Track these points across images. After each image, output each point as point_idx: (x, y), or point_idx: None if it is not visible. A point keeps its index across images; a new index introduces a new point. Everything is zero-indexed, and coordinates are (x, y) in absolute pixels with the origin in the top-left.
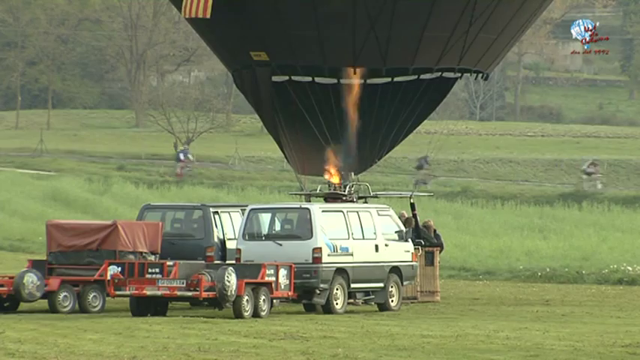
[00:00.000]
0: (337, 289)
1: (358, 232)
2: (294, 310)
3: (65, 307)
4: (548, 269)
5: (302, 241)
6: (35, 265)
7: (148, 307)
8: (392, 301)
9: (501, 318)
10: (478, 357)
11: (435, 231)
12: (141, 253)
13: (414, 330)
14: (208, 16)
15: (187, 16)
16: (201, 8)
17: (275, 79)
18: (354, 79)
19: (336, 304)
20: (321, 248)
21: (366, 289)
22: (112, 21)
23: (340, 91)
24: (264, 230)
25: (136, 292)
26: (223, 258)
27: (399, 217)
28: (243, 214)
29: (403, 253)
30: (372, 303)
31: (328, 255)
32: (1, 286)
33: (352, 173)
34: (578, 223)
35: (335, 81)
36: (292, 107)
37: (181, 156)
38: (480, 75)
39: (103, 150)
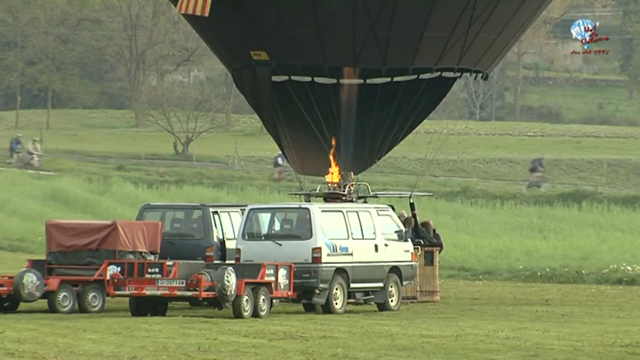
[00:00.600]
0: (337, 289)
1: (358, 232)
2: (294, 309)
3: (65, 307)
4: (547, 269)
5: (301, 241)
6: (35, 265)
7: (147, 307)
8: (391, 300)
9: (501, 318)
10: (478, 357)
11: (434, 231)
12: (140, 252)
13: (413, 330)
14: (207, 14)
15: (183, 12)
16: (199, 6)
17: (275, 78)
18: (354, 79)
19: (336, 303)
20: (320, 248)
21: (366, 289)
22: (111, 21)
23: (340, 91)
24: (264, 230)
25: (136, 292)
26: (223, 258)
27: (399, 217)
28: (242, 214)
29: (403, 252)
30: (372, 303)
31: (328, 255)
32: (1, 286)
33: (352, 173)
34: (577, 223)
35: (335, 81)
36: (292, 107)
37: (279, 160)
38: (480, 75)
39: (103, 150)
